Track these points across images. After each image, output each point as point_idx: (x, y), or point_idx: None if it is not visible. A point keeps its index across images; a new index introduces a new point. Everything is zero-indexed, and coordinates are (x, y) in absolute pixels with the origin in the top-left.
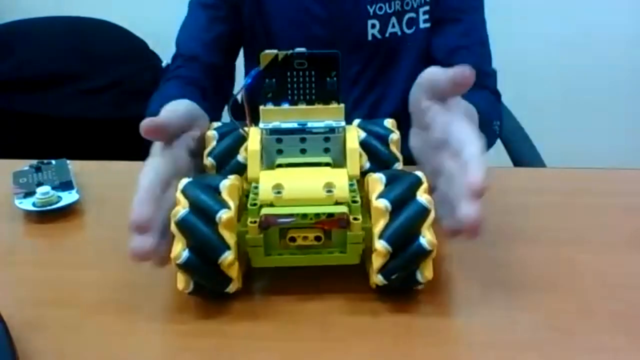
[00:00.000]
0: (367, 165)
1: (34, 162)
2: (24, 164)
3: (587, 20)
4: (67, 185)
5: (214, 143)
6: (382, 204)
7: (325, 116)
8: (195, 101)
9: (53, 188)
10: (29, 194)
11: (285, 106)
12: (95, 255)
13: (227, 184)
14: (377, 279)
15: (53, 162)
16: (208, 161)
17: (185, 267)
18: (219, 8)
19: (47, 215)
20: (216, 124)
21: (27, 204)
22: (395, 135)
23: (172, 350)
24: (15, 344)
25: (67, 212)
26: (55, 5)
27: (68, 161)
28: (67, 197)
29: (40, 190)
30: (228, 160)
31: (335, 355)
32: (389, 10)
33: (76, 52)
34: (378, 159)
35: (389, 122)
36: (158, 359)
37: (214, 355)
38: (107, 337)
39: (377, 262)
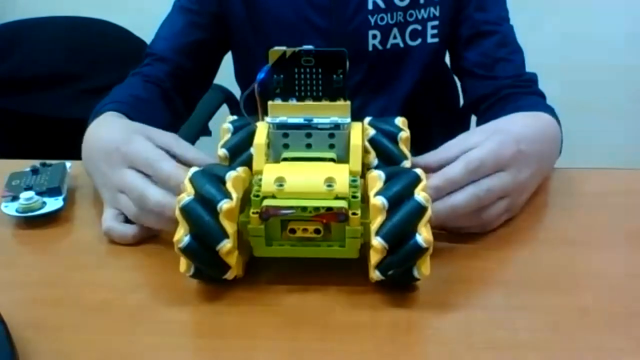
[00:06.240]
0: (375, 162)
1: (37, 163)
2: (25, 165)
3: (587, 20)
4: (54, 191)
5: (228, 135)
6: (380, 201)
7: (331, 112)
8: (151, 98)
9: (40, 193)
10: (15, 198)
11: (293, 102)
12: (92, 255)
13: (233, 175)
14: (374, 274)
15: (53, 164)
16: (221, 152)
17: (186, 251)
18: (201, 15)
19: (34, 219)
20: (231, 118)
21: (11, 209)
22: (404, 134)
23: (171, 349)
24: (15, 344)
25: (58, 216)
26: (55, 5)
27: (68, 164)
28: (52, 204)
29: (23, 195)
30: (240, 153)
31: (334, 351)
32: (390, 22)
33: (76, 52)
34: (387, 156)
35: (399, 121)
36: (157, 358)
37: (214, 354)
38: (107, 337)
39: (374, 258)
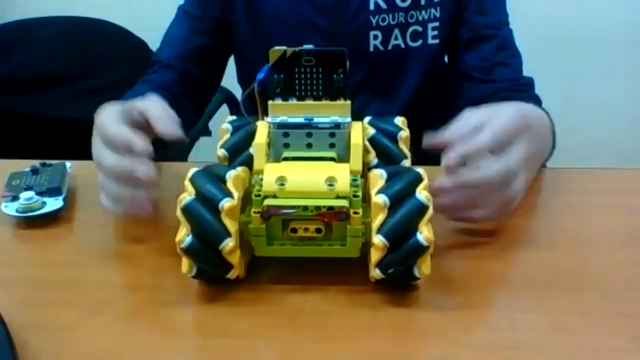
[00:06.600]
0: (375, 161)
1: (37, 163)
2: (25, 165)
3: (587, 19)
4: (54, 191)
5: (227, 135)
6: (381, 199)
7: (331, 112)
8: None
9: (40, 193)
10: (15, 198)
11: (293, 101)
12: (92, 256)
13: (233, 175)
14: (375, 272)
15: (53, 164)
16: (221, 152)
17: (188, 251)
18: (204, 21)
19: (34, 219)
20: (230, 118)
21: (11, 209)
22: (404, 133)
23: (171, 349)
24: (15, 345)
25: (58, 216)
26: (55, 5)
27: (68, 164)
28: (52, 204)
29: (23, 195)
30: (240, 152)
31: (334, 351)
32: (392, 22)
33: (76, 52)
34: (386, 155)
35: (399, 120)
36: (157, 358)
37: (214, 354)
38: (106, 337)
39: (374, 256)
